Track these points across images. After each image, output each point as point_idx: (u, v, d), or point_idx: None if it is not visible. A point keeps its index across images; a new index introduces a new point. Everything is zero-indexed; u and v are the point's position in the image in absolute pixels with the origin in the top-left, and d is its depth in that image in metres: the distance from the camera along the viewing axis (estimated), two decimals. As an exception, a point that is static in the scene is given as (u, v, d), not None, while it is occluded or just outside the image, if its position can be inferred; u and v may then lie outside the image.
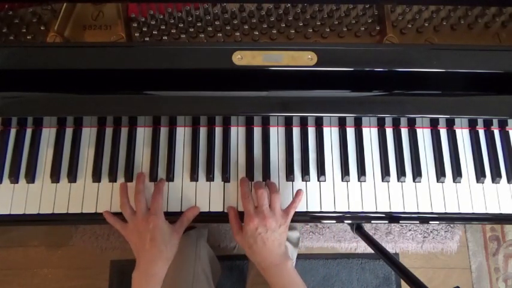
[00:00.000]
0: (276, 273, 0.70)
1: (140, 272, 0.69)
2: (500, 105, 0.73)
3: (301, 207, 0.76)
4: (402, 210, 0.78)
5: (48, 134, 0.81)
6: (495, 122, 0.82)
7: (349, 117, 0.80)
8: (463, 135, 0.83)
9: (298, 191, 0.75)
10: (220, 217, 0.78)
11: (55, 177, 0.78)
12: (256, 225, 0.68)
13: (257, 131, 0.82)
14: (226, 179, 0.79)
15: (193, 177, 0.78)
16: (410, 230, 1.49)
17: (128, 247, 1.50)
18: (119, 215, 0.75)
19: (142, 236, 0.69)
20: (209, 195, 0.78)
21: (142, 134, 0.81)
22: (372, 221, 0.81)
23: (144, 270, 0.69)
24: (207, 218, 0.77)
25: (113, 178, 0.78)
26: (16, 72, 0.70)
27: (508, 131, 0.83)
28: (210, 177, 0.79)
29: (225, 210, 0.77)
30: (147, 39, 0.79)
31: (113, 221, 0.74)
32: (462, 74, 0.71)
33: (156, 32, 0.79)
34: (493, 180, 0.80)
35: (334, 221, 0.81)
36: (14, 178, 0.77)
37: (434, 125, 0.83)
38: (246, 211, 0.70)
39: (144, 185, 0.75)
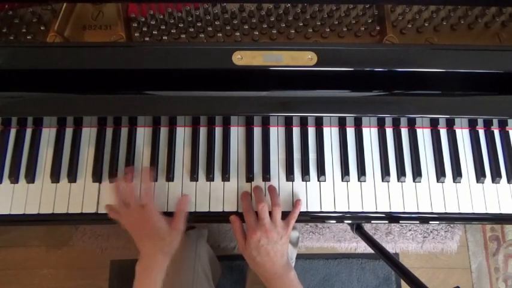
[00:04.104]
0: (279, 284, 0.71)
1: (141, 265, 0.70)
2: (500, 105, 0.73)
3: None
4: (402, 210, 0.78)
5: (48, 134, 0.81)
6: (495, 122, 0.82)
7: (349, 117, 0.80)
8: (463, 135, 0.83)
9: (297, 201, 0.76)
10: (220, 217, 0.78)
11: (55, 177, 0.78)
12: (259, 237, 0.69)
13: (257, 131, 0.82)
14: (226, 179, 0.79)
15: (193, 177, 0.78)
16: (410, 230, 1.49)
17: (128, 246, 1.50)
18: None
19: (137, 224, 0.71)
20: (209, 195, 0.78)
21: (142, 134, 0.81)
22: (372, 221, 0.81)
23: (145, 264, 0.70)
24: (207, 218, 0.77)
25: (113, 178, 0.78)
26: (16, 72, 0.70)
27: (508, 131, 0.83)
28: (210, 177, 0.79)
29: (225, 210, 0.77)
30: (147, 39, 0.79)
31: (113, 214, 0.74)
32: (462, 74, 0.71)
33: (156, 32, 0.79)
34: (493, 180, 0.80)
35: (334, 221, 0.81)
36: (14, 178, 0.77)
37: (434, 125, 0.83)
38: (248, 225, 0.71)
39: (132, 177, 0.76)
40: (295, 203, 0.76)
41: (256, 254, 0.70)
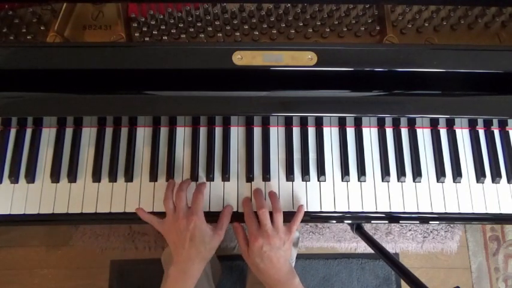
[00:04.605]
0: None
1: (178, 270, 0.70)
2: (500, 105, 0.73)
3: (301, 207, 0.76)
4: (402, 210, 0.78)
5: (48, 134, 0.81)
6: (495, 122, 0.82)
7: (349, 117, 0.80)
8: (463, 135, 0.83)
9: (300, 207, 0.75)
10: (220, 217, 0.78)
11: (55, 177, 0.78)
12: (261, 244, 0.69)
13: (257, 131, 0.82)
14: (226, 179, 0.79)
15: (193, 177, 0.78)
16: (410, 230, 1.49)
17: (128, 247, 1.50)
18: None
19: (182, 234, 0.69)
20: (209, 195, 0.78)
21: (142, 134, 0.81)
22: (372, 221, 0.81)
23: (182, 268, 0.70)
24: (207, 218, 0.77)
25: (113, 178, 0.78)
26: (16, 72, 0.70)
27: (508, 131, 0.83)
28: (210, 177, 0.79)
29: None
30: (147, 39, 0.79)
31: (148, 217, 0.73)
32: (462, 74, 0.71)
33: (156, 32, 0.79)
34: (493, 180, 0.80)
35: (334, 221, 0.81)
36: (14, 178, 0.77)
37: (434, 125, 0.83)
38: (250, 231, 0.71)
39: (187, 186, 0.75)
40: (297, 208, 0.75)
41: (260, 260, 0.69)
